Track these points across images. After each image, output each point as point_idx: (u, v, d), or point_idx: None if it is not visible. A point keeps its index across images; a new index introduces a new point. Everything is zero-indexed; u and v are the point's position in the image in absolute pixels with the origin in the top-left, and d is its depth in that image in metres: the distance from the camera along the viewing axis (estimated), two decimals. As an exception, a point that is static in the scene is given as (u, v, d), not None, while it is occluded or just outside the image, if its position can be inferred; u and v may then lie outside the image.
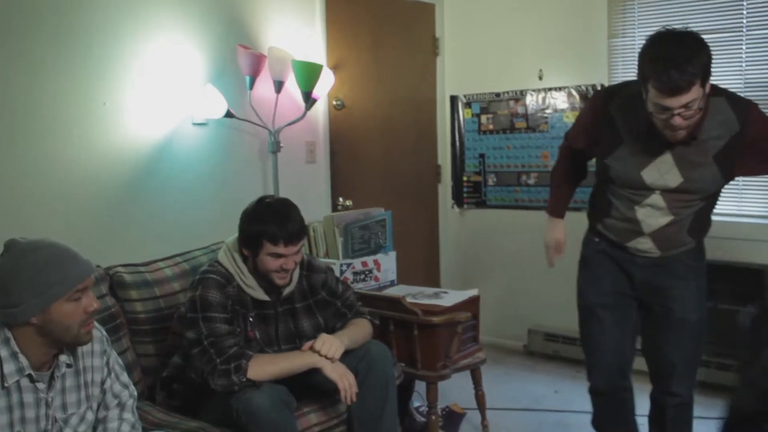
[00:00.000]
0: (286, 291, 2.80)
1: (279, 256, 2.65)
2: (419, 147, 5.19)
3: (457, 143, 5.12)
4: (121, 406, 2.21)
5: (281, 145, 4.32)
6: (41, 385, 1.98)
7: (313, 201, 4.69)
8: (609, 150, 2.58)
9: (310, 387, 2.82)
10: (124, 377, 2.26)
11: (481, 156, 5.03)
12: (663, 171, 2.50)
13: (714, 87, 2.39)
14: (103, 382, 2.17)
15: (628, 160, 2.55)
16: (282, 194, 4.30)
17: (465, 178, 5.12)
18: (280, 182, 4.33)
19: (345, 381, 2.66)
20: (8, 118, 3.32)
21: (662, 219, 2.57)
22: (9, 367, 1.91)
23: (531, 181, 4.80)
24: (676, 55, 2.21)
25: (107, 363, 2.19)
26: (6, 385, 1.90)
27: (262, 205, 2.72)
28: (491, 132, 4.95)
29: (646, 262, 2.67)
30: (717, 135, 2.42)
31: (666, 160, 2.50)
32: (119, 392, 2.21)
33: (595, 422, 2.91)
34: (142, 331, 2.98)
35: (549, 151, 4.67)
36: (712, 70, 2.28)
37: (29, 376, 1.95)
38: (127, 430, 2.16)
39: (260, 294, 2.74)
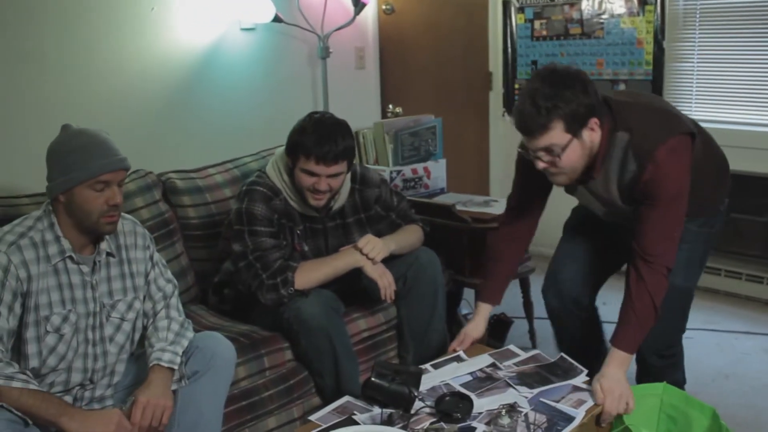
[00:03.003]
0: (336, 205, 2.77)
1: (312, 174, 2.56)
2: (470, 53, 5.07)
3: (509, 49, 4.99)
4: (166, 300, 2.30)
5: (330, 50, 4.26)
6: (85, 268, 2.10)
7: (363, 108, 4.66)
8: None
9: (357, 293, 2.85)
10: (168, 273, 2.36)
11: (534, 63, 4.90)
12: (588, 199, 2.41)
13: (625, 118, 2.18)
14: (147, 274, 2.27)
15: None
16: (331, 101, 4.27)
17: (516, 86, 5.01)
18: (330, 89, 4.30)
19: (384, 279, 2.66)
20: (59, 22, 3.33)
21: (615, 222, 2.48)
22: (53, 249, 2.04)
23: (585, 89, 4.67)
24: (540, 92, 2.06)
25: (151, 257, 2.29)
26: (51, 263, 2.04)
27: (310, 119, 2.62)
28: (544, 38, 4.81)
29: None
30: (618, 175, 2.23)
31: (583, 192, 2.39)
32: (163, 286, 2.31)
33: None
34: (194, 236, 3.03)
35: (604, 59, 4.53)
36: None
37: (71, 257, 2.06)
38: (176, 329, 2.24)
39: (307, 209, 2.70)
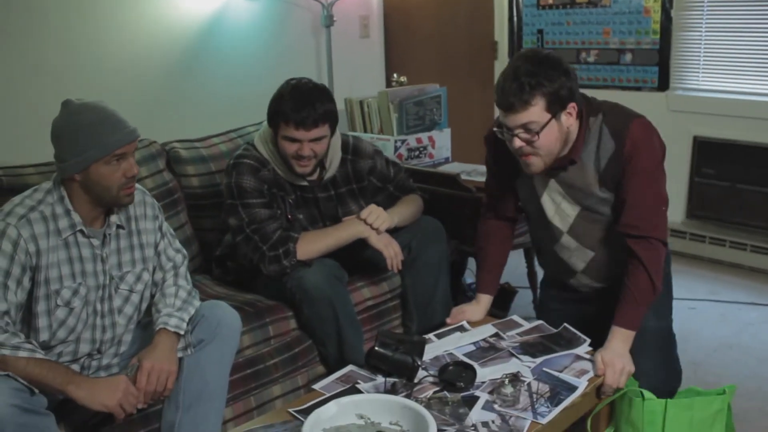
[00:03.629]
0: (327, 175, 2.74)
1: (294, 140, 2.55)
2: (475, 22, 5.03)
3: (515, 18, 4.95)
4: (176, 269, 2.31)
5: (334, 19, 4.23)
6: (96, 242, 2.10)
7: (367, 77, 4.63)
8: (512, 174, 2.39)
9: (360, 263, 2.85)
10: (176, 243, 2.36)
11: (540, 32, 4.86)
12: (557, 200, 2.33)
13: (593, 105, 2.22)
14: (156, 245, 2.27)
15: (524, 189, 2.40)
16: (335, 70, 4.25)
17: (522, 55, 4.97)
18: (334, 58, 4.27)
19: (390, 249, 2.65)
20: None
21: (584, 256, 2.40)
22: (63, 223, 2.04)
23: (591, 59, 4.64)
24: (523, 69, 2.07)
25: (160, 228, 2.29)
26: (62, 237, 2.03)
27: (287, 85, 2.60)
28: (550, 7, 4.77)
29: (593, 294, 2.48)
30: (595, 158, 2.21)
31: (553, 188, 2.32)
32: (173, 256, 2.32)
33: None
34: (199, 206, 3.03)
35: (611, 27, 4.49)
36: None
37: (81, 231, 2.06)
38: (184, 296, 2.25)
39: (296, 178, 2.68)
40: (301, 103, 2.51)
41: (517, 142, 2.14)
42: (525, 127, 2.11)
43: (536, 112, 2.08)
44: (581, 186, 2.26)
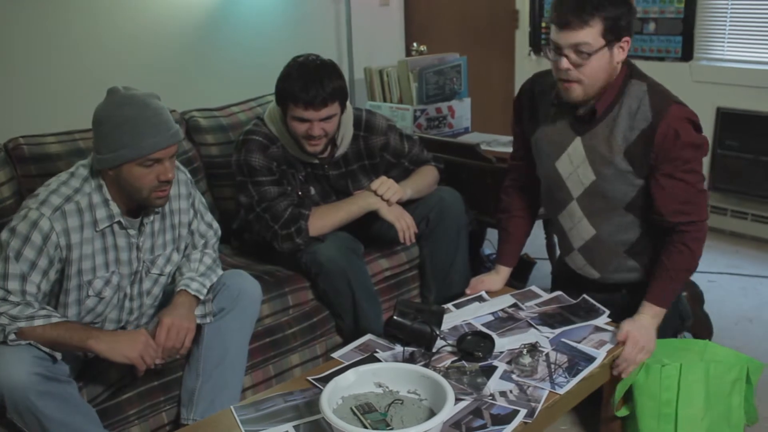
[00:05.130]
0: (338, 153, 2.71)
1: (303, 120, 2.50)
2: (497, -10, 4.98)
3: (537, -14, 4.89)
4: (206, 244, 2.31)
5: (354, -14, 4.19)
6: (132, 231, 2.07)
7: (387, 45, 4.60)
8: (530, 130, 2.34)
9: (374, 236, 2.84)
10: (208, 216, 2.35)
11: (562, 0, 4.79)
12: (576, 162, 2.25)
13: (640, 71, 2.17)
14: (190, 224, 2.26)
15: (543, 145, 2.32)
16: (354, 38, 4.23)
17: (543, 24, 4.90)
18: (353, 26, 4.24)
19: (402, 221, 2.63)
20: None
21: (585, 232, 2.35)
22: (101, 213, 1.99)
23: (613, 27, 4.57)
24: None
25: (193, 205, 2.26)
26: (98, 229, 1.99)
27: (293, 64, 2.54)
28: (573, -26, 4.69)
29: (594, 286, 2.42)
30: (627, 125, 2.12)
31: (577, 147, 2.23)
32: (205, 232, 2.31)
33: None
34: (218, 174, 3.03)
35: (634, -5, 4.42)
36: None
37: (119, 222, 2.03)
38: (208, 263, 2.26)
39: (306, 156, 2.64)
40: (309, 82, 2.45)
41: (565, 63, 2.06)
42: (576, 48, 2.04)
43: (592, 34, 2.02)
44: (603, 151, 2.19)
